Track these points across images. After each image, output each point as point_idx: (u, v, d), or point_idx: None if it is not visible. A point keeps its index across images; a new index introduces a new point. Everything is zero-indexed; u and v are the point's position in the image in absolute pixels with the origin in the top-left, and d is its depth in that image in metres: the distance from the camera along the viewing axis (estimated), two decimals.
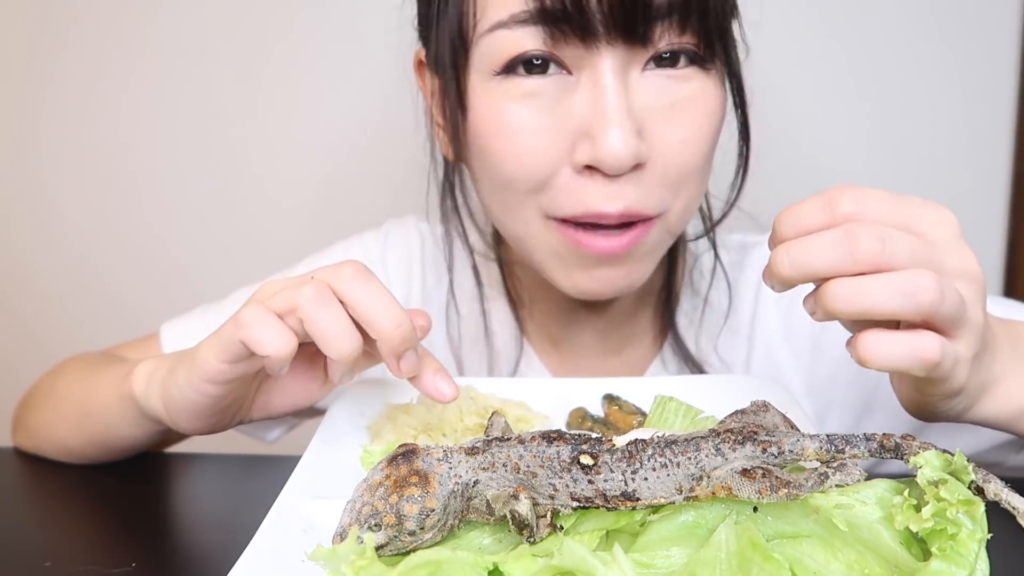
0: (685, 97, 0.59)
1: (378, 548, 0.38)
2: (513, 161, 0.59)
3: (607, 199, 0.58)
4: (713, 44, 0.58)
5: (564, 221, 0.61)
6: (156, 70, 1.25)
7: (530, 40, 0.56)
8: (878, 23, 1.14)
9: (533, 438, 0.40)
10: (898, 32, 1.14)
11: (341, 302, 0.49)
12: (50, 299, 1.35)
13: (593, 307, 0.76)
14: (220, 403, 0.54)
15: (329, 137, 1.25)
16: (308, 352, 0.57)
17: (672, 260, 0.77)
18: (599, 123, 0.56)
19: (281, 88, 1.23)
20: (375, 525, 0.38)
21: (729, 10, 0.58)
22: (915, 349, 0.41)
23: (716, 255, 0.73)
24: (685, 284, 0.79)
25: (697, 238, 0.75)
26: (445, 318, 0.80)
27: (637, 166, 0.58)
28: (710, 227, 0.71)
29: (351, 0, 1.19)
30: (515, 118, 0.59)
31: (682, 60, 0.58)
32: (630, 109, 0.57)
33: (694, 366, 0.76)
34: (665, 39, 0.56)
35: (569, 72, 0.58)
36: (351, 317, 0.49)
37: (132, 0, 1.22)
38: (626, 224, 0.60)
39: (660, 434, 0.40)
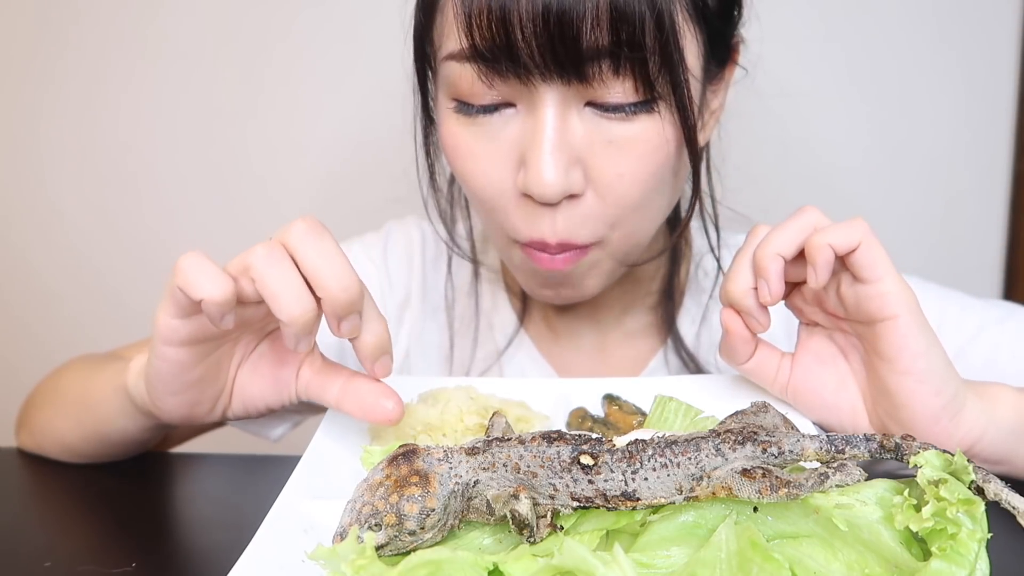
0: (625, 136, 0.59)
1: (378, 548, 0.38)
2: (469, 180, 0.63)
3: (549, 225, 0.61)
4: (653, 85, 0.57)
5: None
6: (156, 70, 1.25)
7: (472, 78, 0.58)
8: (878, 23, 1.14)
9: (533, 438, 0.40)
10: (898, 32, 1.14)
11: (294, 261, 0.48)
12: (50, 299, 1.35)
13: (591, 302, 0.77)
14: (185, 373, 0.53)
15: (329, 137, 1.25)
16: (280, 344, 0.57)
17: (674, 259, 0.77)
18: (532, 154, 0.58)
19: (281, 88, 1.23)
20: (375, 525, 0.38)
21: (674, 47, 0.56)
22: (847, 225, 0.50)
23: (717, 258, 0.74)
24: (690, 283, 0.79)
25: (661, 252, 0.76)
26: (445, 312, 0.81)
27: (573, 196, 0.60)
28: (676, 235, 0.72)
29: (351, 0, 1.19)
30: (466, 143, 0.62)
31: (624, 110, 0.59)
32: (565, 142, 0.58)
33: (693, 363, 0.76)
34: (599, 78, 0.56)
35: (513, 105, 0.60)
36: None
37: (132, 0, 1.22)
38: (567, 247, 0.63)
39: (660, 434, 0.40)
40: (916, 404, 0.50)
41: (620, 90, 0.57)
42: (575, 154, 0.59)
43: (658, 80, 0.57)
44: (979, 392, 0.53)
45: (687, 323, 0.78)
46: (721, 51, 0.65)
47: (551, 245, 0.62)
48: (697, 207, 0.71)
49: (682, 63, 0.57)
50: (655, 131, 0.60)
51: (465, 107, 0.61)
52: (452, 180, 0.76)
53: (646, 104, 0.58)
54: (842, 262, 0.51)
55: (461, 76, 0.59)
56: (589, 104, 0.59)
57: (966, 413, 0.51)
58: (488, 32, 0.55)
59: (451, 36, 0.59)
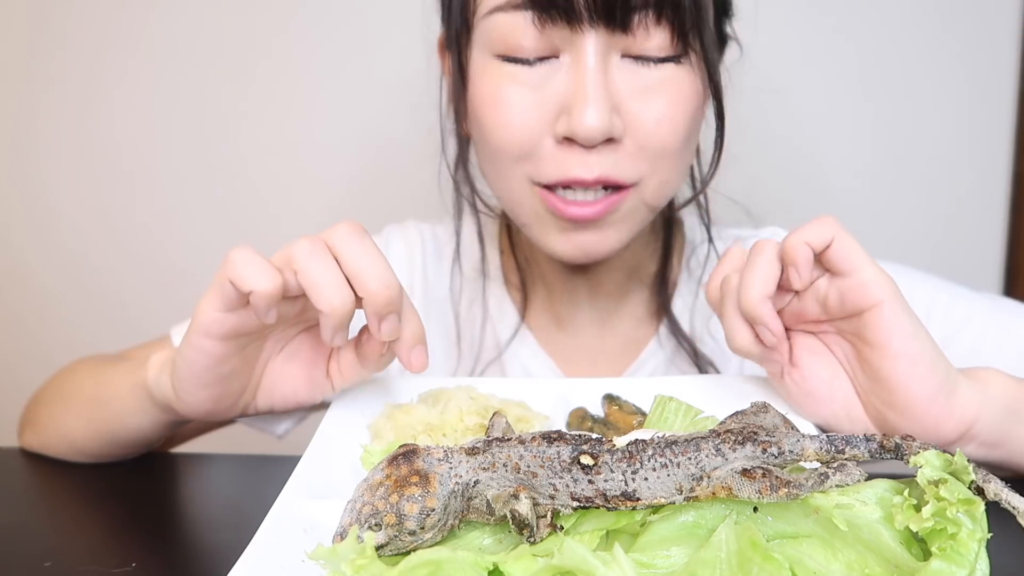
0: (658, 81, 0.64)
1: (378, 548, 0.38)
2: (503, 131, 0.65)
3: (584, 166, 0.63)
4: (686, 36, 0.63)
5: (547, 187, 0.66)
6: (153, 70, 1.25)
7: (523, 26, 0.62)
8: (880, 23, 1.14)
9: (533, 438, 0.40)
10: (899, 32, 1.14)
11: (336, 259, 0.50)
12: (50, 299, 1.35)
13: (591, 288, 0.79)
14: (219, 366, 0.54)
15: (327, 137, 1.25)
16: (313, 341, 0.58)
17: (667, 246, 0.79)
18: (577, 99, 0.62)
19: (279, 88, 1.23)
20: (375, 524, 0.38)
21: (705, 5, 0.62)
22: (817, 223, 0.51)
23: (710, 238, 0.77)
24: (682, 270, 0.81)
25: (684, 204, 0.78)
26: (451, 309, 0.82)
27: (612, 140, 0.63)
28: (703, 186, 0.74)
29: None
30: (505, 95, 0.65)
31: (658, 60, 0.64)
32: (606, 88, 0.62)
33: (688, 345, 0.77)
34: (642, 27, 0.61)
35: (556, 56, 0.63)
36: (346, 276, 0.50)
37: (130, 0, 1.22)
38: (604, 189, 0.65)
39: (660, 434, 0.40)
40: (912, 385, 0.51)
41: (656, 42, 0.62)
42: (614, 101, 0.62)
43: (690, 34, 0.62)
44: (970, 375, 0.54)
45: (680, 308, 0.80)
46: (721, 32, 0.70)
47: (587, 180, 0.63)
48: (689, 197, 0.74)
49: (709, 19, 0.63)
50: (687, 77, 0.65)
51: (510, 60, 0.64)
52: (456, 166, 0.76)
53: (676, 57, 0.64)
54: (818, 261, 0.52)
55: (512, 27, 0.62)
56: (625, 56, 0.63)
57: (960, 394, 0.52)
58: None
59: None
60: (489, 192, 0.75)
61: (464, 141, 0.74)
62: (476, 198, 0.76)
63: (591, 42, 0.61)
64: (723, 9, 0.70)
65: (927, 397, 0.51)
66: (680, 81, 0.64)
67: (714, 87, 0.66)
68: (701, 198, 0.74)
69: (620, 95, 0.63)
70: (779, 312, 0.56)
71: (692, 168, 0.73)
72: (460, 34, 0.68)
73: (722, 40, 0.71)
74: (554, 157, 0.64)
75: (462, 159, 0.74)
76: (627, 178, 0.64)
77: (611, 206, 0.65)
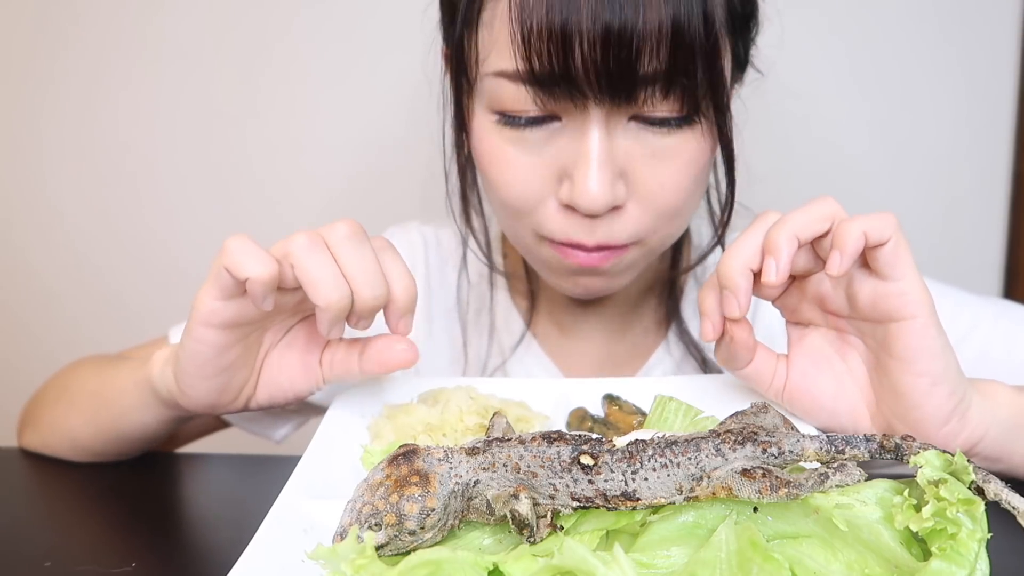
0: (667, 147, 0.62)
1: (378, 548, 0.38)
2: (504, 189, 0.64)
3: (586, 233, 0.63)
4: (699, 105, 0.60)
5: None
6: (156, 70, 1.24)
7: (524, 97, 0.60)
8: (880, 22, 1.14)
9: (534, 438, 0.40)
10: (899, 32, 1.14)
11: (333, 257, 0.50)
12: (50, 299, 1.35)
13: (599, 299, 0.77)
14: (221, 356, 0.54)
15: (329, 137, 1.25)
16: (310, 330, 0.58)
17: (676, 253, 0.78)
18: (580, 169, 0.60)
19: (281, 88, 1.23)
20: (375, 524, 0.38)
21: (718, 75, 0.59)
22: (880, 218, 0.47)
23: (722, 245, 0.74)
24: (690, 276, 0.80)
25: (702, 257, 0.77)
26: (456, 313, 0.82)
27: (615, 208, 0.62)
28: (718, 236, 0.72)
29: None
30: (506, 154, 0.63)
31: (668, 123, 0.61)
32: (611, 156, 0.60)
33: (697, 352, 0.77)
34: (648, 100, 0.59)
35: (559, 119, 0.61)
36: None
37: (132, 0, 1.22)
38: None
39: (660, 434, 0.40)
40: (930, 405, 0.49)
41: (665, 107, 0.60)
42: (619, 167, 0.61)
43: (703, 100, 0.59)
44: (978, 390, 0.53)
45: (689, 314, 0.79)
46: (740, 59, 0.67)
47: (588, 246, 0.63)
48: (702, 203, 0.72)
49: (725, 84, 0.60)
50: (695, 142, 0.62)
51: (511, 119, 0.62)
52: (462, 180, 0.75)
53: (688, 118, 0.61)
54: (863, 256, 0.49)
55: (513, 95, 0.60)
56: (633, 118, 0.60)
57: (972, 412, 0.51)
58: (547, 56, 0.56)
59: (502, 54, 0.59)
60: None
61: (469, 156, 0.73)
62: (482, 209, 0.75)
63: (595, 113, 0.59)
64: (748, 32, 0.67)
65: (942, 418, 0.50)
66: (689, 145, 0.62)
67: (726, 152, 0.64)
68: (715, 204, 0.72)
69: (624, 161, 0.61)
70: (798, 283, 0.54)
71: (707, 189, 0.71)
72: (461, 86, 0.66)
73: (741, 63, 0.68)
74: (556, 220, 0.63)
75: (470, 170, 0.73)
76: (628, 240, 0.64)
77: (613, 256, 0.64)
